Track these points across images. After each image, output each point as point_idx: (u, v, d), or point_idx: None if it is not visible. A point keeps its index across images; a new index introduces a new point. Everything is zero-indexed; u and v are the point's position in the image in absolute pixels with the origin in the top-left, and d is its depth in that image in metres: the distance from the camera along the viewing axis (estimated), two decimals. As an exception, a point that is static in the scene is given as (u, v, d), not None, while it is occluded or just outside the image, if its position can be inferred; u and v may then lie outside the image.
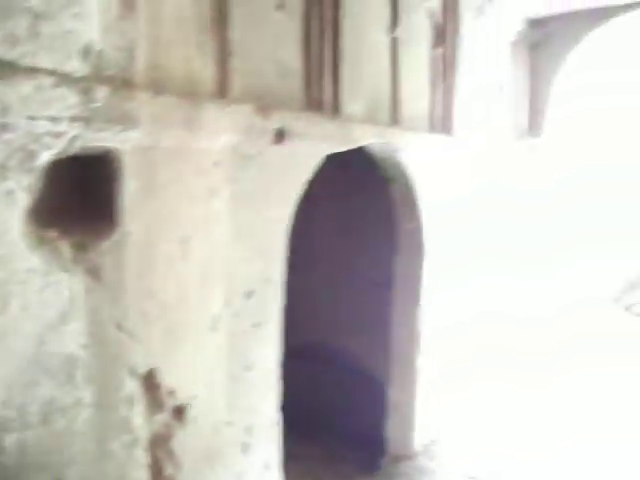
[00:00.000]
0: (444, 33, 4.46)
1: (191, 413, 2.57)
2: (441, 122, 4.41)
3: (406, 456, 4.56)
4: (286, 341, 3.11)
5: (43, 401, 1.92)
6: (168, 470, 2.51)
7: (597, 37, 6.33)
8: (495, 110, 5.71)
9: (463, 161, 4.76)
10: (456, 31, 4.56)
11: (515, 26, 5.87)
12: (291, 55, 3.02)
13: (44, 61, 1.82)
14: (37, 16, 1.79)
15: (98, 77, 1.99)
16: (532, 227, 6.44)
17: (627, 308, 9.11)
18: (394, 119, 3.85)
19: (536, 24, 6.06)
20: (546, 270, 6.88)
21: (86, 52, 1.94)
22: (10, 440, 1.82)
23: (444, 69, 4.44)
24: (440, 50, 4.40)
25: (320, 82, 3.17)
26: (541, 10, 5.79)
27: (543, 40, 6.15)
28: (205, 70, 2.52)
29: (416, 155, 4.04)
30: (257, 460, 3.05)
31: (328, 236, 5.32)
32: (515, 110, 6.07)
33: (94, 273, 2.09)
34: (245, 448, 2.95)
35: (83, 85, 1.90)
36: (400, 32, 3.89)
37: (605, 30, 6.24)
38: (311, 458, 4.53)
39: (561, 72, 6.27)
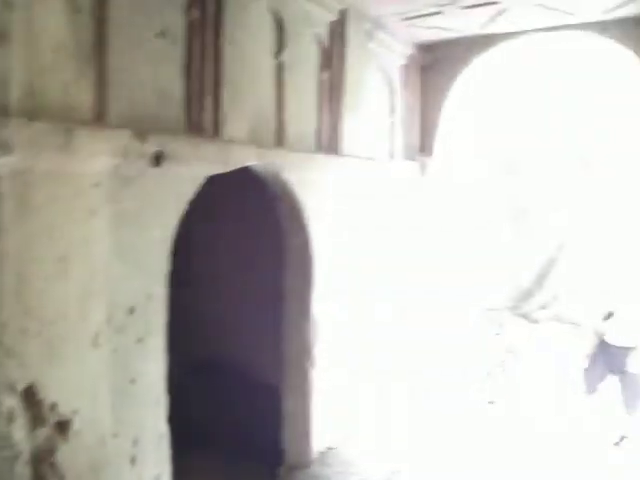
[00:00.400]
0: (331, 57, 4.70)
1: (74, 426, 2.65)
2: (328, 142, 4.64)
3: (303, 464, 4.70)
4: (183, 356, 3.22)
5: None
6: (52, 483, 2.58)
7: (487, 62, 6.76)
8: (386, 130, 6.00)
9: (353, 179, 5.00)
10: (343, 55, 4.80)
11: (406, 50, 6.18)
12: (172, 81, 3.18)
13: None
14: None
15: (-30, 105, 2.08)
16: (424, 242, 6.74)
17: (524, 316, 9.57)
18: (279, 140, 4.05)
19: (426, 49, 6.39)
20: (442, 281, 7.18)
21: (-43, 81, 2.03)
22: None
23: (330, 92, 4.67)
24: (327, 74, 4.63)
25: (201, 107, 3.34)
26: (431, 35, 6.09)
27: (433, 64, 6.50)
28: (83, 96, 2.65)
29: (302, 174, 4.24)
30: (147, 472, 3.15)
31: (222, 252, 5.47)
32: (407, 130, 6.37)
33: (-31, 292, 2.17)
34: (133, 460, 3.05)
35: (-46, 113, 2.00)
36: (285, 57, 4.10)
37: (490, 56, 6.67)
38: (209, 470, 4.62)
39: (451, 94, 6.63)
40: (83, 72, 2.63)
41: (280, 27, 4.05)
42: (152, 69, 3.03)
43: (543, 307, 9.10)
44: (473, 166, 8.70)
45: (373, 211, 5.41)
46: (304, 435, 4.68)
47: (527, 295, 9.37)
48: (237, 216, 5.37)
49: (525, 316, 9.09)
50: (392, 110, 6.09)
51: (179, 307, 3.56)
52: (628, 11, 5.01)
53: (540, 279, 9.37)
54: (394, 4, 4.96)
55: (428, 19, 5.40)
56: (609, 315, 5.57)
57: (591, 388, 5.68)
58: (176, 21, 3.20)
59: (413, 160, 6.40)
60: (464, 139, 7.80)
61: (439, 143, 6.73)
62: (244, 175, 3.84)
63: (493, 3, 4.92)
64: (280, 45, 4.07)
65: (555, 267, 9.25)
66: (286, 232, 4.41)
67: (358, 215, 5.15)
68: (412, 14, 5.25)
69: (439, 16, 5.31)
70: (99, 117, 2.70)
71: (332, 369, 4.86)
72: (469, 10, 5.12)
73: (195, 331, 5.51)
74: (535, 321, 8.87)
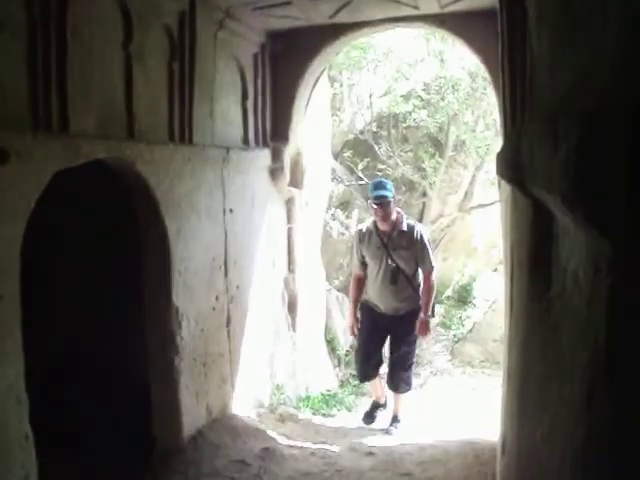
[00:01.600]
0: (181, 47, 4.72)
1: None
2: (180, 132, 4.68)
3: (173, 451, 4.76)
4: (46, 354, 3.18)
5: None
6: None
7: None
8: (237, 116, 6.09)
9: (207, 167, 5.07)
10: (193, 45, 4.83)
11: (258, 39, 6.28)
12: (14, 76, 3.12)
13: None
14: None
15: None
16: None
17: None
18: (130, 132, 4.05)
19: (278, 37, 6.52)
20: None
21: None
22: None
23: (181, 82, 4.70)
24: (177, 64, 4.64)
25: (47, 101, 3.29)
26: (282, 24, 6.22)
27: (284, 52, 6.64)
28: None
29: (155, 165, 4.25)
30: (14, 473, 3.11)
31: (77, 250, 5.38)
32: (260, 118, 6.49)
33: None
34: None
35: None
36: (134, 48, 4.09)
37: (340, 45, 6.92)
38: (81, 467, 4.56)
39: (303, 82, 6.81)
40: None
41: (128, 18, 4.03)
42: (-9, 64, 2.96)
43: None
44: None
45: (230, 198, 5.50)
46: (173, 422, 4.73)
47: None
48: (91, 210, 5.28)
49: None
50: (244, 98, 6.18)
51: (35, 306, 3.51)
52: (462, 6, 5.40)
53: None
54: (244, -5, 5.05)
55: (278, 9, 5.54)
56: None
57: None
58: (17, 13, 3.13)
59: (266, 147, 6.52)
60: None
61: (293, 130, 6.91)
62: (98, 169, 3.82)
63: (336, -5, 5.13)
64: (128, 36, 4.05)
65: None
66: (142, 225, 4.42)
67: (214, 203, 5.23)
68: (262, 4, 5.36)
69: (289, 6, 5.46)
70: None
71: (199, 355, 4.94)
72: (316, 1, 5.31)
73: (54, 330, 5.41)
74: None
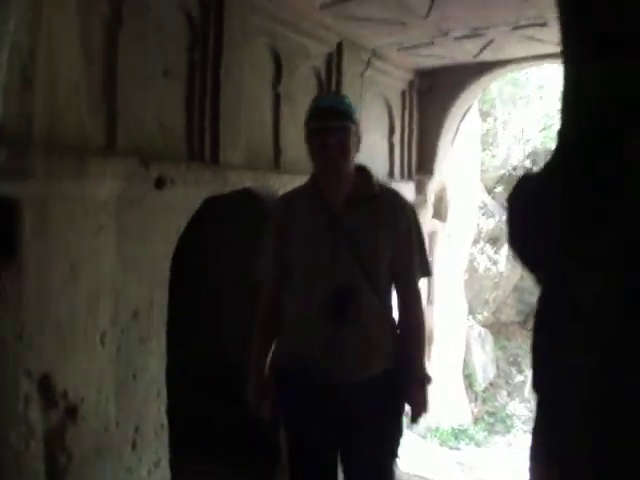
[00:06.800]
0: (328, 87, 5.13)
1: (82, 412, 3.09)
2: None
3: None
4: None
5: (-51, 396, 2.43)
6: (62, 462, 3.01)
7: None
8: (384, 150, 6.41)
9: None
10: (339, 85, 5.22)
11: (405, 76, 6.60)
12: (174, 114, 3.64)
13: (-46, 130, 2.37)
14: (-52, 96, 2.33)
15: (1, 140, 2.54)
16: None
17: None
18: (276, 164, 4.49)
19: (424, 75, 6.81)
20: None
21: (-11, 122, 2.49)
22: None
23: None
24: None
25: (201, 137, 3.78)
26: (428, 62, 6.51)
27: (431, 88, 6.91)
28: (95, 129, 3.10)
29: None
30: (147, 457, 3.57)
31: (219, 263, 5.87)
32: (405, 151, 6.78)
33: (-4, 295, 2.62)
34: (134, 446, 3.48)
35: (-13, 148, 2.45)
36: (282, 88, 4.54)
37: (486, 81, 7.08)
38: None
39: (450, 117, 7.04)
40: (95, 109, 3.09)
41: (278, 62, 4.50)
42: (156, 104, 3.49)
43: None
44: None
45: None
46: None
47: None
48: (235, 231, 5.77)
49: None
50: (391, 132, 6.50)
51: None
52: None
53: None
54: (388, 36, 5.37)
55: (423, 49, 5.82)
56: None
57: None
58: (179, 61, 3.67)
59: (411, 180, 6.78)
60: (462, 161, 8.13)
61: (439, 164, 7.12)
62: (242, 196, 4.28)
63: (479, 35, 5.32)
64: (277, 78, 4.51)
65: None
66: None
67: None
68: (408, 44, 5.67)
69: (433, 46, 5.72)
70: (108, 147, 3.16)
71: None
72: (459, 41, 5.53)
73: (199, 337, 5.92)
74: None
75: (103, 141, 3.16)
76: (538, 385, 1.01)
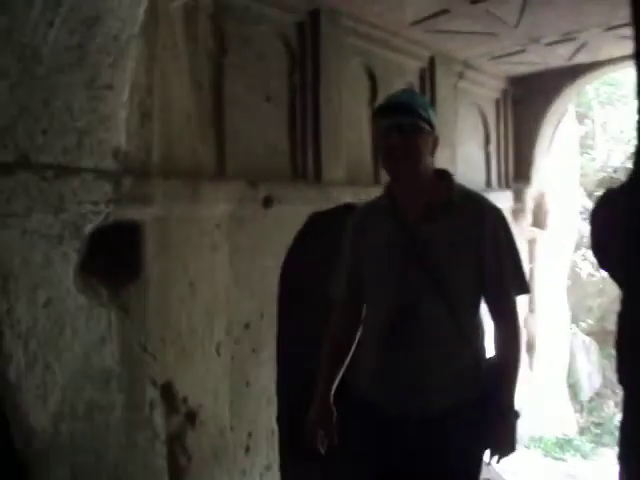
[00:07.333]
0: (423, 101, 5.23)
1: (200, 418, 3.32)
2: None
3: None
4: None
5: (87, 401, 2.69)
6: (182, 462, 3.25)
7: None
8: (482, 161, 6.44)
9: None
10: (434, 97, 5.32)
11: (498, 85, 6.62)
12: (278, 137, 3.86)
13: (87, 162, 2.64)
14: (81, 133, 2.61)
15: (125, 170, 2.81)
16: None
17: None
18: (375, 179, 4.63)
19: (517, 82, 6.80)
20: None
21: (115, 153, 2.76)
22: (64, 427, 2.60)
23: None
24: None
25: (304, 156, 3.99)
26: (521, 70, 6.50)
27: (525, 95, 6.88)
28: (206, 155, 3.36)
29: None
30: (259, 461, 3.78)
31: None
32: (502, 160, 6.77)
33: (124, 308, 2.88)
34: (248, 450, 3.69)
35: (114, 177, 2.72)
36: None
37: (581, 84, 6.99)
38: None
39: (545, 123, 6.98)
40: (205, 137, 3.34)
41: (373, 80, 4.65)
42: (261, 128, 3.72)
43: None
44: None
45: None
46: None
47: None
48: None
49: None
50: (487, 142, 6.52)
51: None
52: None
53: None
54: (479, 47, 5.43)
55: (515, 56, 5.83)
56: None
57: None
58: (280, 86, 3.89)
59: (508, 189, 6.76)
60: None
61: (536, 171, 7.07)
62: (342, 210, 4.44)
63: (571, 39, 5.29)
64: (373, 95, 4.66)
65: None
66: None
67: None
68: (499, 53, 5.70)
69: (525, 53, 5.72)
70: (219, 171, 3.41)
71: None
72: (551, 46, 5.51)
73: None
74: None
75: (214, 165, 3.41)
76: (624, 379, 1.06)
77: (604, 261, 1.11)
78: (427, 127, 2.30)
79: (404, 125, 2.25)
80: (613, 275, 1.12)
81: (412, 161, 2.30)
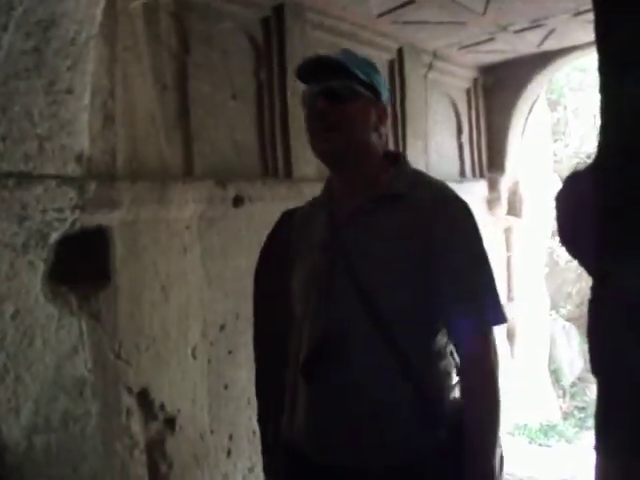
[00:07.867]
0: (392, 92, 5.21)
1: (179, 423, 3.28)
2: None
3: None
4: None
5: (61, 411, 2.64)
6: (163, 469, 3.21)
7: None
8: (453, 150, 6.43)
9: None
10: (403, 89, 5.31)
11: (469, 74, 6.61)
12: (246, 134, 3.81)
13: (49, 169, 2.58)
14: (42, 138, 2.55)
15: (89, 175, 2.75)
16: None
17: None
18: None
19: (488, 70, 6.79)
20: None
21: (79, 158, 2.70)
22: (38, 440, 2.55)
23: (394, 123, 5.18)
24: (389, 108, 5.14)
25: (274, 153, 3.95)
26: (491, 58, 6.49)
27: (496, 84, 6.88)
28: (173, 156, 3.31)
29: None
30: (241, 463, 3.74)
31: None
32: (475, 149, 6.77)
33: (95, 316, 2.83)
34: (229, 453, 3.65)
35: (79, 183, 2.66)
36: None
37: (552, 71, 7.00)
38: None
39: (517, 112, 6.99)
40: (171, 137, 3.29)
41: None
42: (229, 127, 3.68)
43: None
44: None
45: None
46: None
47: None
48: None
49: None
50: (459, 132, 6.51)
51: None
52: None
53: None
54: (448, 37, 5.41)
55: (484, 45, 5.82)
56: None
57: None
58: (247, 83, 3.84)
59: (483, 178, 6.76)
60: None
61: (510, 159, 7.08)
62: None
63: (539, 26, 5.29)
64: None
65: None
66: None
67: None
68: (467, 43, 5.69)
69: (494, 42, 5.72)
70: (187, 172, 3.36)
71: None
72: (520, 34, 5.50)
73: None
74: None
75: (181, 166, 3.36)
76: (596, 368, 1.05)
77: (570, 246, 1.08)
78: (368, 93, 1.71)
79: (335, 89, 1.67)
80: (580, 259, 1.09)
81: (345, 135, 1.69)
